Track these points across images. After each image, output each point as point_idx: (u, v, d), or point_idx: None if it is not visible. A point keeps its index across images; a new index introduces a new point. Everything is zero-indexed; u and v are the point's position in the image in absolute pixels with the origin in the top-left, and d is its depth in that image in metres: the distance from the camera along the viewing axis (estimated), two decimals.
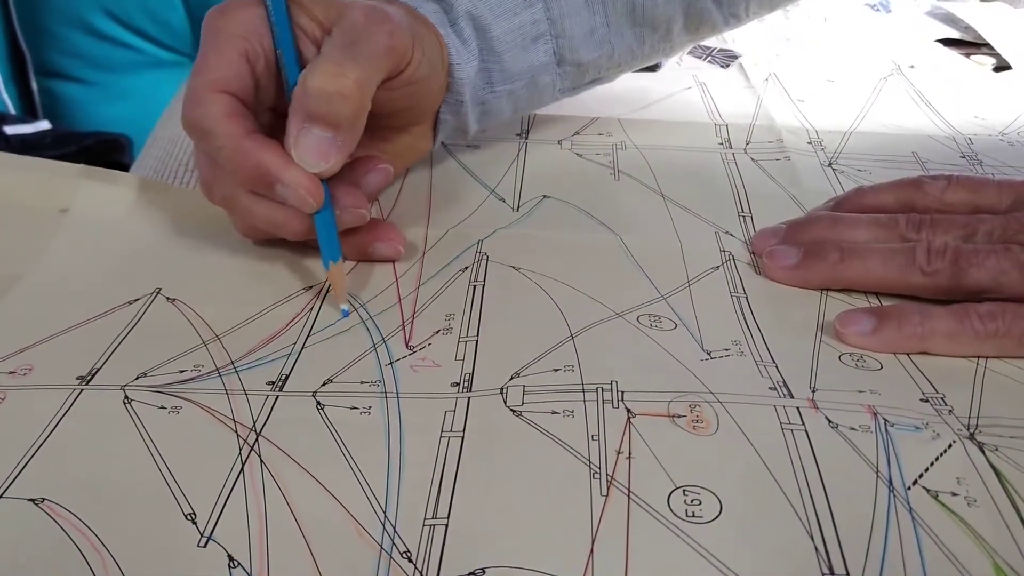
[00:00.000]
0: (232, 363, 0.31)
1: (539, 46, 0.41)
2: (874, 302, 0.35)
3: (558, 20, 0.41)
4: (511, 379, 0.30)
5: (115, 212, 0.39)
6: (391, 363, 0.31)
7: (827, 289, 0.35)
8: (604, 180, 0.44)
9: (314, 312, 0.34)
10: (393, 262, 0.37)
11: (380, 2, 0.35)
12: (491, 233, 0.39)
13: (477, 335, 0.32)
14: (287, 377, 0.30)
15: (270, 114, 0.36)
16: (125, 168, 0.49)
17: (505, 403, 0.29)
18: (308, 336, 0.32)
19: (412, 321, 0.33)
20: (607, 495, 0.25)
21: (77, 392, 0.29)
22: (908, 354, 0.32)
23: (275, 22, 0.34)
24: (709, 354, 0.31)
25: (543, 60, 0.42)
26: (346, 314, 0.34)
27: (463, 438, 0.27)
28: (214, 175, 0.35)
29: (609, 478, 0.25)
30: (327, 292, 0.35)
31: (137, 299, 0.34)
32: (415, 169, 0.45)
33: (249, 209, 0.34)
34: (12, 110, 1.26)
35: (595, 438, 0.27)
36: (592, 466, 0.26)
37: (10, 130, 1.11)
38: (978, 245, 0.34)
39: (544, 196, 0.42)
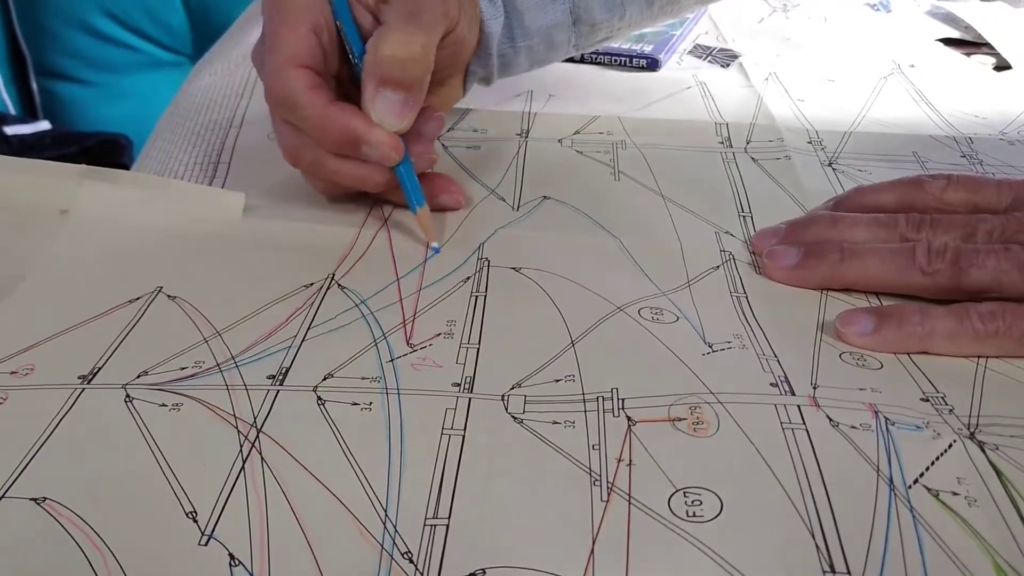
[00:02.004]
0: (233, 358, 0.31)
1: (556, 6, 0.44)
2: (874, 302, 0.35)
3: None
4: (512, 388, 0.30)
5: (116, 211, 0.39)
6: (392, 360, 0.31)
7: (827, 289, 0.35)
8: (604, 180, 0.44)
9: (314, 307, 0.34)
10: (453, 210, 0.41)
11: None
12: (491, 234, 0.39)
13: (479, 343, 0.32)
14: (287, 370, 0.30)
15: (333, 81, 0.38)
16: (125, 169, 0.49)
17: (506, 410, 0.29)
18: (309, 329, 0.32)
19: (413, 320, 0.33)
20: (607, 500, 0.25)
21: (79, 391, 0.29)
22: (908, 354, 0.32)
23: None
24: (711, 347, 0.31)
25: (559, 19, 0.44)
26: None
27: (464, 437, 0.27)
28: (300, 142, 0.38)
29: (610, 484, 0.25)
30: (328, 288, 0.35)
31: (138, 298, 0.34)
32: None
33: (335, 170, 0.38)
34: (12, 110, 1.26)
35: (596, 447, 0.27)
36: (593, 474, 0.26)
37: (10, 130, 1.11)
38: (978, 245, 0.34)
39: (544, 197, 0.42)
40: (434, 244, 0.38)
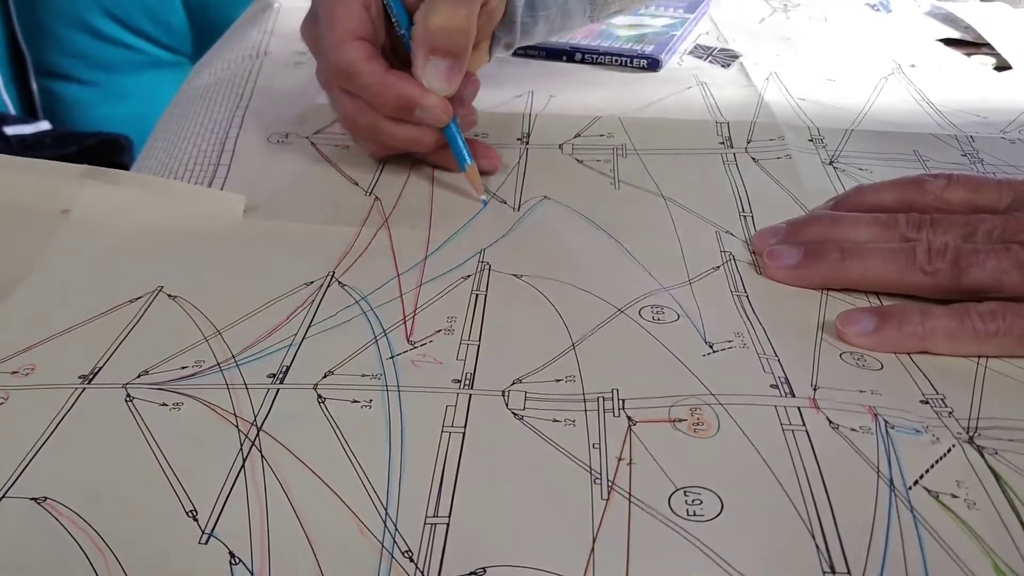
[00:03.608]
0: (233, 356, 0.31)
1: None
2: (875, 302, 0.35)
3: None
4: (513, 384, 0.30)
5: (116, 211, 0.39)
6: (392, 357, 0.31)
7: (828, 289, 0.35)
8: (604, 189, 0.44)
9: (315, 304, 0.34)
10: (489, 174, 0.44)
11: None
12: (493, 242, 0.39)
13: (479, 340, 0.32)
14: (288, 369, 0.30)
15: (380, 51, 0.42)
16: (126, 168, 0.49)
17: (507, 405, 0.29)
18: (309, 327, 0.32)
19: (413, 316, 0.33)
20: (608, 499, 0.25)
21: (79, 391, 0.29)
22: (909, 354, 0.32)
23: None
24: (712, 347, 0.31)
25: None
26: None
27: (464, 434, 0.27)
28: (357, 109, 0.41)
29: (610, 483, 0.25)
30: (329, 285, 0.35)
31: (139, 297, 0.34)
32: (417, 170, 0.45)
33: (390, 133, 0.42)
34: (12, 110, 1.26)
35: (596, 446, 0.27)
36: (593, 472, 0.26)
37: (10, 130, 1.11)
38: (978, 245, 0.34)
39: (545, 197, 0.42)
40: (482, 197, 0.42)
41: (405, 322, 0.33)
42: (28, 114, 1.29)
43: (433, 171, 0.45)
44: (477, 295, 0.35)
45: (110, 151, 1.12)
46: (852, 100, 0.54)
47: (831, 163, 0.46)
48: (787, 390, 0.29)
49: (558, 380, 0.30)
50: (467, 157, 0.42)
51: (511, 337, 0.32)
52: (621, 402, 0.29)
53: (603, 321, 0.33)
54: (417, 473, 0.26)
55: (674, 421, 0.28)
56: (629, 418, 0.28)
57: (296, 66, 0.59)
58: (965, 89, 0.57)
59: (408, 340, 0.32)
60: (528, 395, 0.29)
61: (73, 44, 1.28)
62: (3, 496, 0.25)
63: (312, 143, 0.48)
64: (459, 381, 0.30)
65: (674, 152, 0.47)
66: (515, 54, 0.63)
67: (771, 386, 0.29)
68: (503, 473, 0.26)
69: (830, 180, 0.44)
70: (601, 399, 0.29)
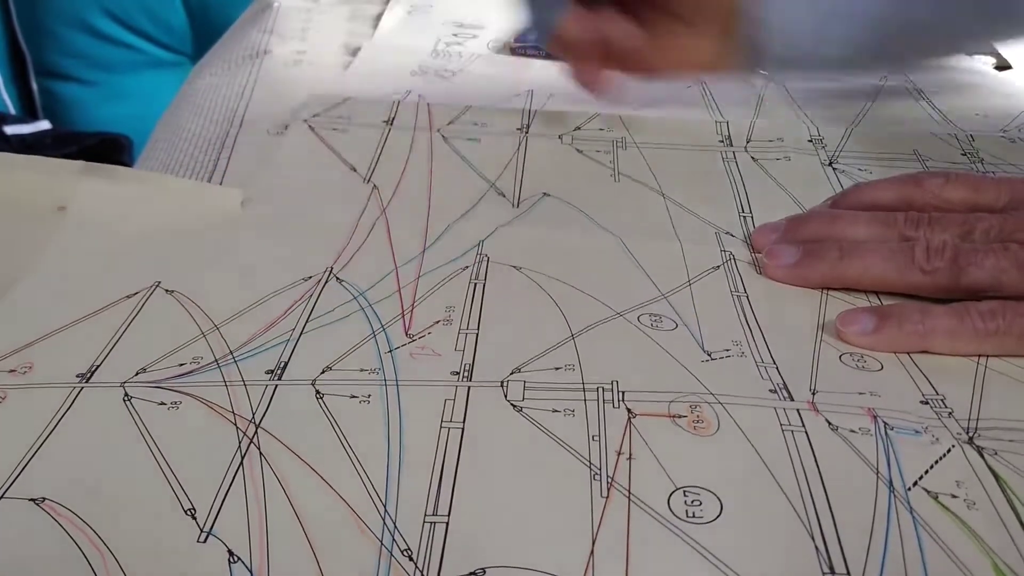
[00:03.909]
0: (231, 353, 0.31)
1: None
2: (874, 301, 0.35)
3: None
4: (511, 373, 0.30)
5: (114, 208, 0.39)
6: (391, 351, 0.31)
7: (827, 288, 0.35)
8: (604, 181, 0.44)
9: (312, 300, 0.34)
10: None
11: None
12: (492, 232, 0.39)
13: (478, 328, 0.32)
14: (286, 364, 0.30)
15: None
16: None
17: (505, 397, 0.29)
18: (307, 322, 0.32)
19: (412, 310, 0.33)
20: (607, 496, 0.25)
21: (77, 390, 0.29)
22: (909, 354, 0.32)
23: None
24: (710, 355, 0.31)
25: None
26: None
27: (463, 430, 0.27)
28: None
29: (610, 480, 0.25)
30: (327, 281, 0.35)
31: (136, 293, 0.34)
32: (415, 160, 0.45)
33: None
34: (12, 110, 1.26)
35: (595, 438, 0.27)
36: (592, 467, 0.26)
37: (10, 130, 1.11)
38: (977, 244, 0.34)
39: (544, 194, 0.42)
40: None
41: (404, 315, 0.33)
42: (28, 114, 1.29)
43: (432, 163, 0.45)
44: (475, 284, 0.35)
45: (110, 151, 1.12)
46: (852, 99, 0.54)
47: (830, 164, 0.46)
48: (785, 395, 0.29)
49: (557, 368, 0.30)
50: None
51: (510, 326, 0.32)
52: (621, 393, 0.29)
53: (601, 319, 0.33)
54: (416, 469, 0.26)
55: (674, 416, 0.28)
56: (629, 410, 0.28)
57: (296, 65, 0.59)
58: (965, 88, 0.57)
59: (407, 334, 0.32)
60: (527, 384, 0.29)
61: (73, 44, 1.28)
62: (1, 497, 0.25)
63: (310, 126, 0.48)
64: (457, 373, 0.30)
65: (674, 148, 0.47)
66: (515, 53, 0.63)
67: (769, 391, 0.29)
68: (502, 470, 0.26)
69: (829, 181, 0.44)
70: (600, 389, 0.29)
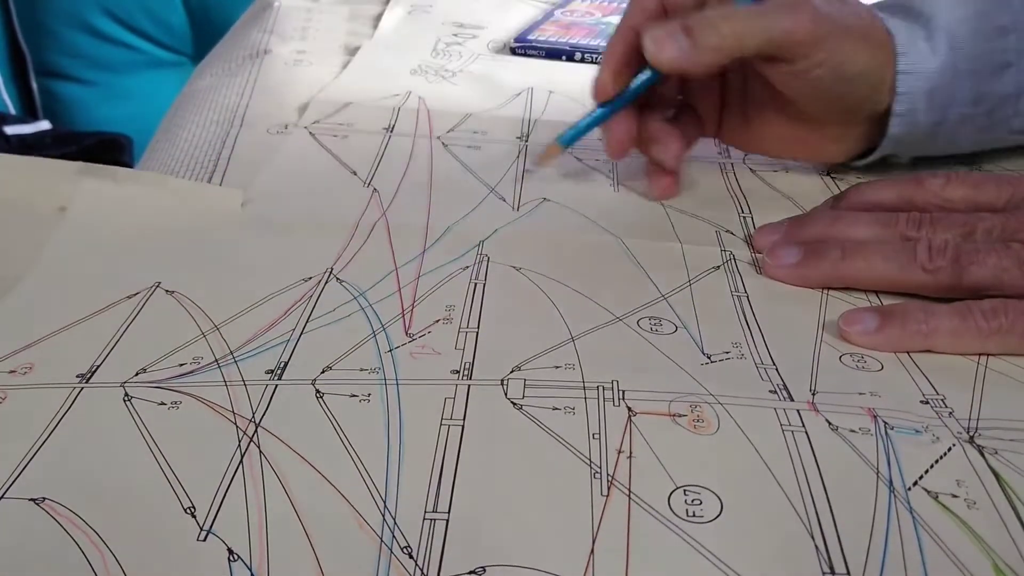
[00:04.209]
0: (231, 353, 0.31)
1: (1006, 75, 0.41)
2: (875, 301, 0.35)
3: None
4: (512, 372, 0.30)
5: (114, 208, 0.39)
6: (391, 350, 0.31)
7: (828, 288, 0.35)
8: (604, 189, 0.44)
9: (313, 300, 0.34)
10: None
11: (842, 2, 0.39)
12: (492, 233, 0.39)
13: (478, 327, 0.32)
14: (286, 364, 0.30)
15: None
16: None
17: (506, 395, 0.29)
18: (307, 322, 0.32)
19: (412, 310, 0.33)
20: (608, 495, 0.25)
21: (77, 391, 0.29)
22: (909, 353, 0.32)
23: None
24: (710, 358, 0.31)
25: (1007, 91, 0.41)
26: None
27: (463, 427, 0.27)
28: None
29: (610, 478, 0.25)
30: (327, 281, 0.35)
31: (136, 293, 0.34)
32: (415, 166, 0.45)
33: None
34: (12, 110, 1.26)
35: (596, 436, 0.27)
36: (593, 466, 0.26)
37: (10, 130, 1.11)
38: (978, 243, 0.34)
39: (544, 199, 0.42)
40: (530, 164, 0.43)
41: (404, 315, 0.33)
42: (28, 114, 1.29)
43: (432, 167, 0.45)
44: (476, 284, 0.35)
45: (110, 151, 1.12)
46: None
47: (828, 173, 0.46)
48: (785, 396, 0.29)
49: (557, 367, 0.30)
50: (569, 140, 0.42)
51: (510, 324, 0.32)
52: (621, 392, 0.29)
53: (602, 323, 0.33)
54: (416, 467, 0.26)
55: (674, 415, 0.28)
56: (629, 408, 0.28)
57: (296, 65, 0.59)
58: None
59: (407, 333, 0.32)
60: (527, 382, 0.29)
61: (73, 44, 1.28)
62: (1, 497, 0.25)
63: (311, 133, 0.48)
64: (457, 372, 0.30)
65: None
66: (515, 53, 0.63)
67: (770, 392, 0.29)
68: (503, 468, 0.26)
69: (829, 189, 0.44)
70: (601, 388, 0.29)
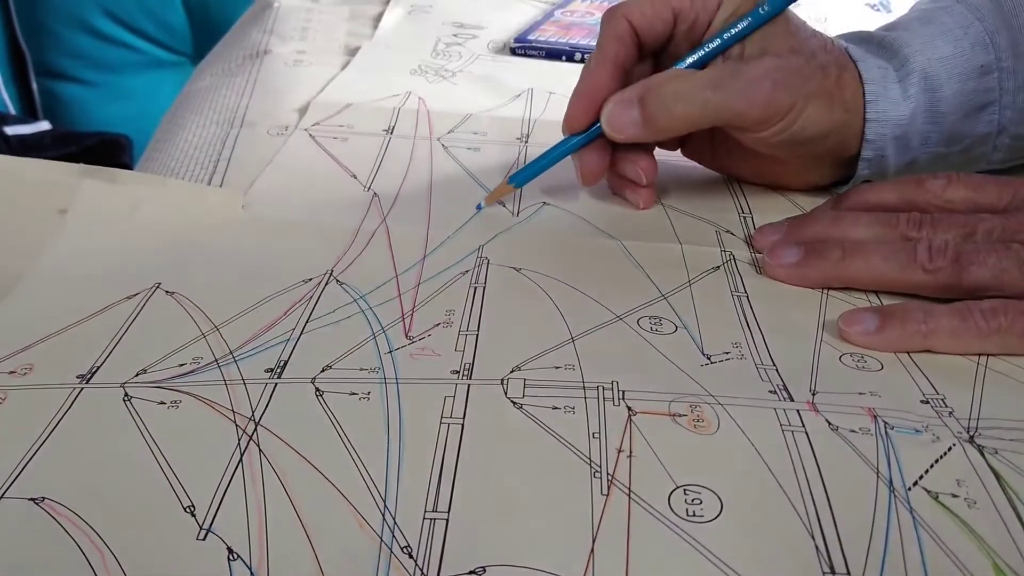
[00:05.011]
0: (231, 352, 0.31)
1: (984, 115, 0.40)
2: (875, 301, 0.35)
3: (1011, 92, 0.40)
4: (512, 371, 0.30)
5: (114, 210, 0.39)
6: (391, 351, 0.31)
7: (828, 288, 0.35)
8: (604, 193, 0.44)
9: (313, 301, 0.34)
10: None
11: (809, 56, 0.38)
12: (492, 238, 0.39)
13: (478, 330, 0.32)
14: (286, 363, 0.30)
15: (670, 63, 0.40)
16: (127, 168, 0.49)
17: (506, 394, 0.29)
18: (307, 323, 0.32)
19: (412, 314, 0.33)
20: (608, 494, 0.25)
21: (77, 391, 0.29)
22: (909, 353, 0.32)
23: (743, 22, 0.38)
24: (709, 359, 0.31)
25: (984, 130, 0.41)
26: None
27: (463, 426, 0.27)
28: None
29: (610, 477, 0.25)
30: (327, 284, 0.35)
31: (136, 294, 0.34)
32: (415, 169, 0.45)
33: None
34: (12, 110, 1.26)
35: (596, 436, 0.27)
36: (593, 465, 0.26)
37: (10, 130, 1.11)
38: (978, 244, 0.34)
39: (544, 203, 0.42)
40: (481, 202, 0.41)
41: (404, 319, 0.33)
42: (28, 114, 1.29)
43: (432, 172, 0.45)
44: (476, 287, 0.35)
45: (110, 151, 1.12)
46: None
47: None
48: (785, 396, 0.29)
49: (557, 367, 0.30)
50: (521, 180, 0.41)
51: (509, 326, 0.32)
52: (621, 392, 0.29)
53: (602, 323, 0.33)
54: (416, 465, 0.26)
55: (674, 415, 0.28)
56: (629, 408, 0.28)
57: (296, 65, 0.59)
58: None
59: (407, 336, 0.32)
60: (527, 382, 0.29)
61: (73, 44, 1.28)
62: (1, 496, 0.25)
63: (311, 135, 0.48)
64: (457, 372, 0.30)
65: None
66: (515, 53, 0.63)
67: (769, 392, 0.29)
68: (502, 467, 0.26)
69: (829, 193, 0.44)
70: (601, 388, 0.29)
